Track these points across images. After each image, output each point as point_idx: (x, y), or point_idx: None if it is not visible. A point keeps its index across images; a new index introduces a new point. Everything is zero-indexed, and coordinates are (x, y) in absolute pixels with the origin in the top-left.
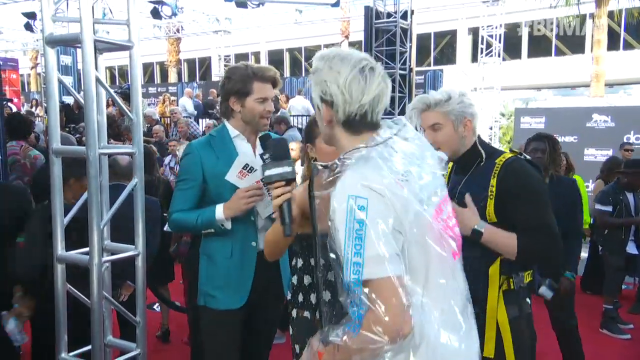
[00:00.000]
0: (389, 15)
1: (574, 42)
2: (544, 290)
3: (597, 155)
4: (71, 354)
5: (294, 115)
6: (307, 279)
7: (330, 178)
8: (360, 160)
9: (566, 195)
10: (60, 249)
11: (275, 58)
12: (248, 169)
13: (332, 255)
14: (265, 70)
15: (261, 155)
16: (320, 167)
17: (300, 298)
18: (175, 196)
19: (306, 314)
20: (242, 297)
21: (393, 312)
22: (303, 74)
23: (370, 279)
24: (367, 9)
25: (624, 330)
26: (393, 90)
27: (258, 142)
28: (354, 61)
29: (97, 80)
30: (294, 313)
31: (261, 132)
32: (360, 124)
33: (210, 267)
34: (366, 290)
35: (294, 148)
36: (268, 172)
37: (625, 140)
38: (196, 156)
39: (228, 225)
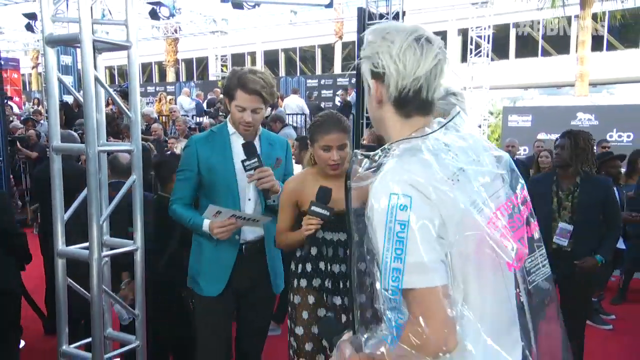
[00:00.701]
0: (381, 16)
1: (559, 43)
2: None
3: None
4: (72, 345)
5: (288, 114)
6: (313, 250)
7: (371, 169)
8: (406, 153)
9: (599, 193)
10: (60, 244)
11: (271, 58)
12: (219, 213)
13: (368, 257)
14: (251, 81)
15: (242, 162)
16: (360, 156)
17: (308, 267)
18: (175, 185)
19: (303, 282)
20: (219, 286)
21: (436, 325)
22: (298, 74)
23: (412, 288)
24: (360, 10)
25: (606, 321)
26: None
27: (257, 146)
28: (409, 30)
29: (96, 79)
30: (295, 283)
31: (259, 130)
32: (414, 102)
33: (198, 253)
34: (406, 300)
35: None
36: (314, 208)
37: (607, 138)
38: (193, 149)
39: (214, 237)
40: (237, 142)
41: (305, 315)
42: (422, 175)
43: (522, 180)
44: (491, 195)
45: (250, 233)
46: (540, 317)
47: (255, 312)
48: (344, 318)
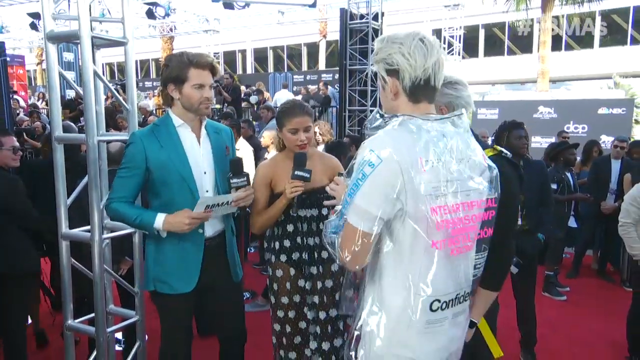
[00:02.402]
0: (361, 16)
1: (523, 43)
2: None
3: (542, 142)
4: (77, 320)
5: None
6: (290, 227)
7: (379, 125)
8: (405, 126)
9: (538, 176)
10: (64, 227)
11: (260, 55)
12: (212, 206)
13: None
14: (202, 57)
15: (228, 179)
16: (377, 115)
17: (287, 243)
18: (115, 183)
19: (282, 257)
20: (192, 281)
21: (347, 251)
22: (285, 70)
23: (347, 220)
24: (342, 11)
25: (561, 293)
26: (365, 84)
27: (205, 135)
28: (413, 34)
29: (95, 73)
30: (274, 258)
31: (204, 119)
32: (424, 89)
33: (158, 254)
34: (342, 223)
35: (265, 136)
36: (297, 172)
37: (565, 129)
38: (139, 145)
39: (163, 234)
40: (185, 134)
41: (288, 286)
42: (403, 146)
43: (499, 193)
44: (458, 190)
45: (210, 228)
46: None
47: (221, 304)
48: (319, 285)
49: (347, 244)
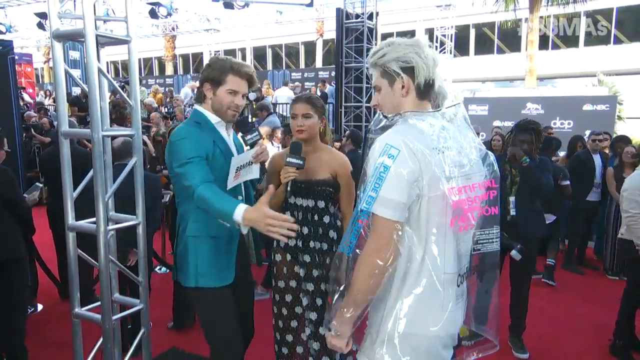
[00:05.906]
0: (357, 16)
1: (512, 42)
2: (514, 253)
3: None
4: (84, 308)
5: (280, 104)
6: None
7: (385, 125)
8: (411, 121)
9: (548, 171)
10: (70, 219)
11: (259, 53)
12: (240, 168)
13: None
14: (243, 66)
15: (242, 137)
16: (381, 117)
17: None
18: (189, 172)
19: (288, 256)
20: (232, 272)
21: (380, 245)
22: (283, 68)
23: (376, 214)
24: (339, 11)
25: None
26: (360, 82)
27: (232, 133)
28: (424, 41)
29: (99, 70)
30: (275, 243)
31: (229, 123)
32: (429, 89)
33: (200, 248)
34: (371, 221)
35: (261, 131)
36: (290, 159)
37: (552, 125)
38: (195, 137)
39: (244, 230)
40: (222, 132)
41: (285, 270)
42: (415, 139)
43: (497, 174)
44: (461, 175)
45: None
46: (479, 278)
47: (245, 298)
48: (315, 273)
49: (382, 240)
